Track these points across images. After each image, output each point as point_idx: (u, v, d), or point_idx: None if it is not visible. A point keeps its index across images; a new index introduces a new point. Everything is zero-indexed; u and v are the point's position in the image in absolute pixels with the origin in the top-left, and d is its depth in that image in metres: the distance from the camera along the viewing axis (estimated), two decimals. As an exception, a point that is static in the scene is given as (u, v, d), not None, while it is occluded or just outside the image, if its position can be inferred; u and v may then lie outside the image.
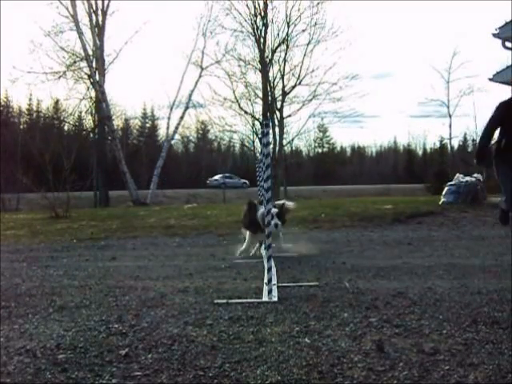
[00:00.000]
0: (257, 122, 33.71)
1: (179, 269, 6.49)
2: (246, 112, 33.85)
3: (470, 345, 3.26)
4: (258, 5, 32.85)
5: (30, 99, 46.27)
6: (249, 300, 4.56)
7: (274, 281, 5.04)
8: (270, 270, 4.97)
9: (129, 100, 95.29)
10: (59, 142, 22.81)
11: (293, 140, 37.83)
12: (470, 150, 49.18)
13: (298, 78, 33.11)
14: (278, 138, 33.58)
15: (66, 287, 5.45)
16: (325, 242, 9.00)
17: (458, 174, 16.00)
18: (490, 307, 4.16)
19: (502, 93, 29.72)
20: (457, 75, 46.69)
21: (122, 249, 9.06)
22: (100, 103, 28.69)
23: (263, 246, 7.37)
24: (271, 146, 31.22)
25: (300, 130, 35.77)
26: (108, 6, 29.18)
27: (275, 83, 33.52)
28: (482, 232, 10.26)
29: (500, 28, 15.56)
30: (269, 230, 5.19)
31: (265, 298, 4.60)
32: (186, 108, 31.67)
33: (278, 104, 33.78)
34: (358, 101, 53.76)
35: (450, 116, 36.92)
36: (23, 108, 45.91)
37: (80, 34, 27.46)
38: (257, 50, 33.33)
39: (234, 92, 33.29)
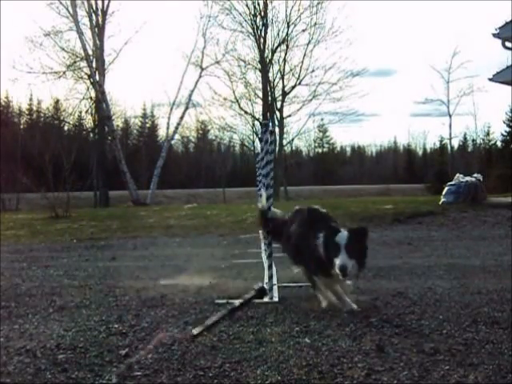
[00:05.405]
0: (257, 122, 33.73)
1: (179, 269, 6.49)
2: (246, 112, 33.89)
3: (469, 345, 3.26)
4: (258, 5, 32.88)
5: (30, 99, 46.30)
6: (249, 300, 4.55)
7: (275, 280, 5.04)
8: (270, 267, 4.96)
9: (129, 100, 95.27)
10: (59, 142, 22.83)
11: (293, 140, 37.90)
12: (469, 149, 49.18)
13: (297, 78, 33.14)
14: (278, 137, 33.57)
15: (65, 287, 5.45)
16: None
17: (458, 174, 15.99)
18: (489, 307, 4.16)
19: (502, 93, 29.77)
20: (457, 75, 46.62)
21: (122, 249, 9.06)
22: (100, 103, 28.68)
23: (263, 246, 7.32)
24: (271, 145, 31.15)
25: (300, 130, 35.83)
26: (108, 6, 29.21)
27: (275, 83, 33.56)
28: (481, 232, 10.26)
29: (500, 28, 15.55)
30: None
31: (265, 299, 4.60)
32: (186, 108, 31.69)
33: (278, 104, 33.79)
34: (358, 100, 53.67)
35: (450, 116, 36.93)
36: (23, 108, 45.90)
37: (80, 34, 27.45)
38: (257, 50, 33.35)
39: (233, 92, 33.34)
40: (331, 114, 35.78)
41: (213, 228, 11.71)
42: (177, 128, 32.25)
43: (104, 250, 8.86)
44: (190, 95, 31.60)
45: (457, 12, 71.90)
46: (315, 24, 32.26)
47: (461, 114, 51.63)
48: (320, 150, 62.67)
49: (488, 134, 47.04)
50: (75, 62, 28.94)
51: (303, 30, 32.74)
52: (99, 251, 8.77)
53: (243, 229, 11.43)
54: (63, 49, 28.53)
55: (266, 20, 33.07)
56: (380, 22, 74.74)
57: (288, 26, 32.69)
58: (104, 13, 29.06)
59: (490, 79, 16.68)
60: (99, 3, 28.96)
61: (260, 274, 5.79)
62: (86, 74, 29.25)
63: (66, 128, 36.28)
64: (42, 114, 42.67)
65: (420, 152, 63.56)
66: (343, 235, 3.98)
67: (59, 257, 8.10)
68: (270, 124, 5.52)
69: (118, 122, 40.62)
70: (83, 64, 28.75)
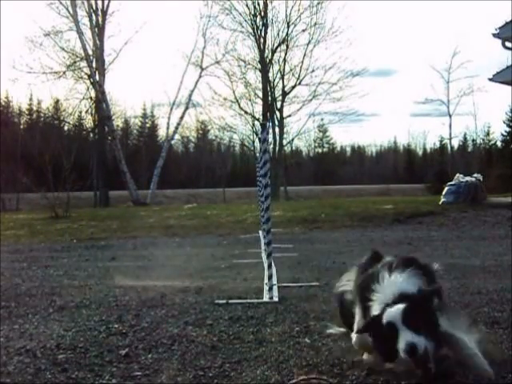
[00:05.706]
0: (257, 122, 33.73)
1: (179, 269, 6.49)
2: (246, 112, 33.90)
3: (469, 345, 3.25)
4: (258, 5, 32.89)
5: (30, 99, 46.30)
6: (249, 300, 4.56)
7: (275, 280, 5.04)
8: (270, 266, 4.96)
9: (129, 100, 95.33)
10: (59, 142, 22.85)
11: (293, 140, 37.90)
12: (469, 149, 49.17)
13: (297, 78, 33.15)
14: (277, 137, 33.59)
15: (65, 287, 5.45)
16: (325, 242, 8.99)
17: (458, 174, 16.01)
18: (490, 307, 4.16)
19: (502, 93, 29.76)
20: (457, 75, 46.62)
21: (122, 249, 9.06)
22: (100, 103, 28.70)
23: (263, 245, 7.29)
24: (271, 146, 31.24)
25: (300, 130, 35.82)
26: (108, 6, 29.22)
27: (275, 83, 33.57)
28: (481, 232, 10.26)
29: (500, 28, 15.56)
30: (268, 226, 5.17)
31: (265, 299, 4.60)
32: (186, 108, 31.72)
33: (278, 104, 33.80)
34: (358, 100, 53.62)
35: (450, 116, 36.91)
36: (23, 108, 45.92)
37: (80, 34, 27.47)
38: (257, 50, 33.36)
39: (233, 92, 33.36)
40: (331, 114, 35.84)
41: (213, 228, 11.71)
42: (177, 128, 32.32)
43: (104, 250, 8.86)
44: (190, 95, 31.67)
45: (457, 12, 71.97)
46: (315, 24, 32.31)
47: (461, 114, 51.56)
48: (320, 150, 62.68)
49: (488, 134, 47.05)
50: (75, 62, 28.97)
51: (303, 30, 32.79)
52: (99, 251, 8.77)
53: (243, 229, 11.44)
54: (63, 49, 28.58)
55: (266, 20, 33.10)
56: (380, 22, 74.83)
57: (288, 26, 32.73)
58: (104, 13, 29.09)
59: (490, 79, 16.69)
60: (99, 3, 29.03)
61: (260, 274, 5.79)
62: (86, 74, 29.27)
63: (66, 128, 36.34)
64: (42, 114, 42.74)
65: (420, 152, 63.59)
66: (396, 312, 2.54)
67: (59, 257, 8.10)
68: (269, 124, 5.48)
69: (118, 122, 40.68)
70: (83, 64, 28.80)
